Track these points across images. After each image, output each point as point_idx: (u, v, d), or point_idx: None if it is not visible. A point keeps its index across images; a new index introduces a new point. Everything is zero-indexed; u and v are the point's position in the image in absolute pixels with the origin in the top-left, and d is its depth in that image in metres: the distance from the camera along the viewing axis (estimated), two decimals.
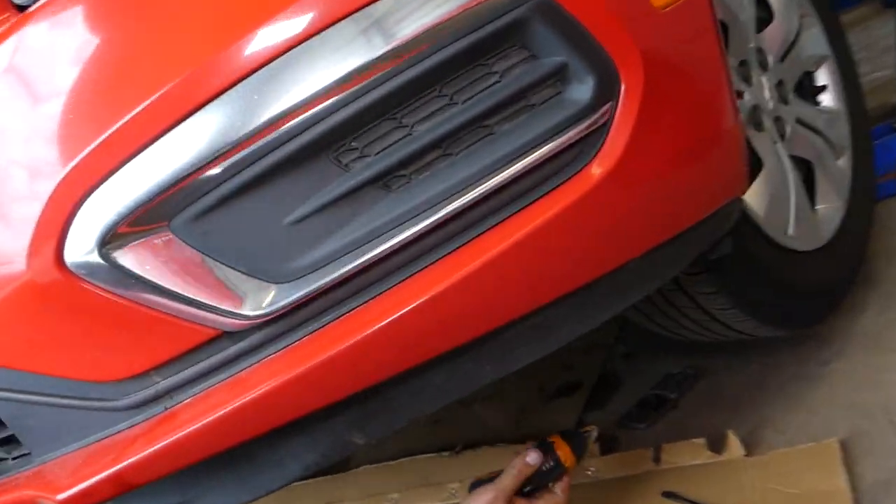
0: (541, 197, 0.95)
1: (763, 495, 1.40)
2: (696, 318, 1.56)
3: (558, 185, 0.93)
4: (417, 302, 0.91)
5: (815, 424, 1.53)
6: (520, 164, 0.89)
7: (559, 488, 1.30)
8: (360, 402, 0.96)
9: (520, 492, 1.24)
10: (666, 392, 1.82)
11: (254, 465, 0.97)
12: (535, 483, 1.27)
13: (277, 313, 0.89)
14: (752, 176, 1.58)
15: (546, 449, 1.28)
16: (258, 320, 0.89)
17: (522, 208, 0.94)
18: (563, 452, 1.29)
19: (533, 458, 1.26)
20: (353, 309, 0.92)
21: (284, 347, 0.91)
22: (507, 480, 1.22)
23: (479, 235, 0.93)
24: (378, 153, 0.88)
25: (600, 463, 1.65)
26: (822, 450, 1.42)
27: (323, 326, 0.92)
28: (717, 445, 1.55)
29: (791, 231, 1.64)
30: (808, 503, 1.35)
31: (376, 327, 0.90)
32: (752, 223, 1.50)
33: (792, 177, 1.68)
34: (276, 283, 0.88)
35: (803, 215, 1.69)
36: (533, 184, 0.94)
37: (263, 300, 0.88)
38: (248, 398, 0.89)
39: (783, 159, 1.67)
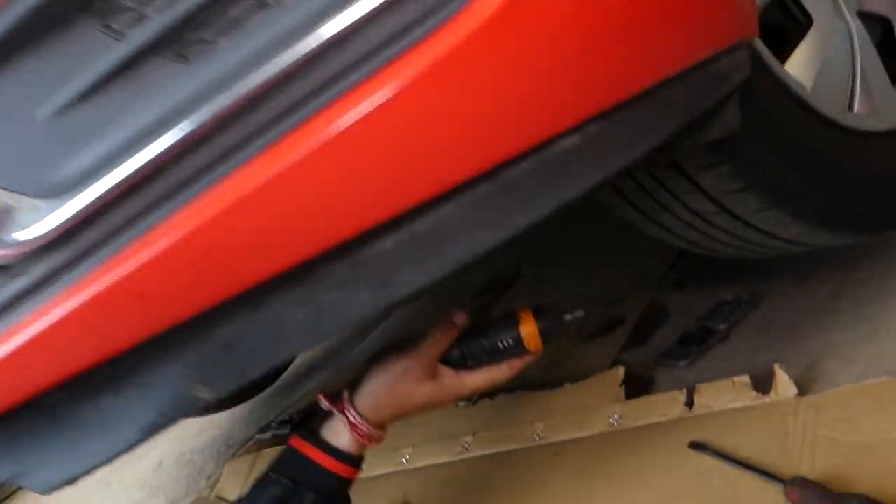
0: (420, 39, 0.69)
1: (813, 444, 1.08)
2: (726, 226, 1.23)
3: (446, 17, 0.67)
4: (239, 201, 0.69)
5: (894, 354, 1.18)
6: None
7: (507, 364, 1.09)
8: (194, 345, 0.76)
9: (453, 360, 1.07)
10: (714, 323, 1.50)
11: (83, 428, 0.80)
12: (483, 358, 1.08)
13: (54, 237, 0.70)
14: (796, 36, 1.23)
15: (509, 323, 1.06)
16: (30, 248, 0.70)
17: (390, 60, 0.69)
18: (528, 331, 1.05)
19: (460, 318, 1.06)
20: (159, 222, 0.71)
21: (75, 279, 0.72)
22: (427, 346, 1.04)
23: (320, 109, 0.70)
24: (164, 9, 0.66)
25: (625, 408, 1.38)
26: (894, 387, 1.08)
27: (122, 248, 0.72)
28: (763, 384, 1.23)
29: (858, 107, 1.27)
30: (871, 454, 1.02)
31: (188, 239, 0.69)
32: (793, 95, 1.15)
33: (858, 38, 1.29)
34: (44, 197, 0.69)
35: (876, 87, 1.30)
36: (406, 21, 0.68)
37: (33, 221, 0.69)
38: (35, 340, 0.71)
39: (844, 14, 1.28)
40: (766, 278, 1.58)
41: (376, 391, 1.04)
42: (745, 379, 1.24)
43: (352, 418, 1.02)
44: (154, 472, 2.93)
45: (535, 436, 1.49)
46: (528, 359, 1.08)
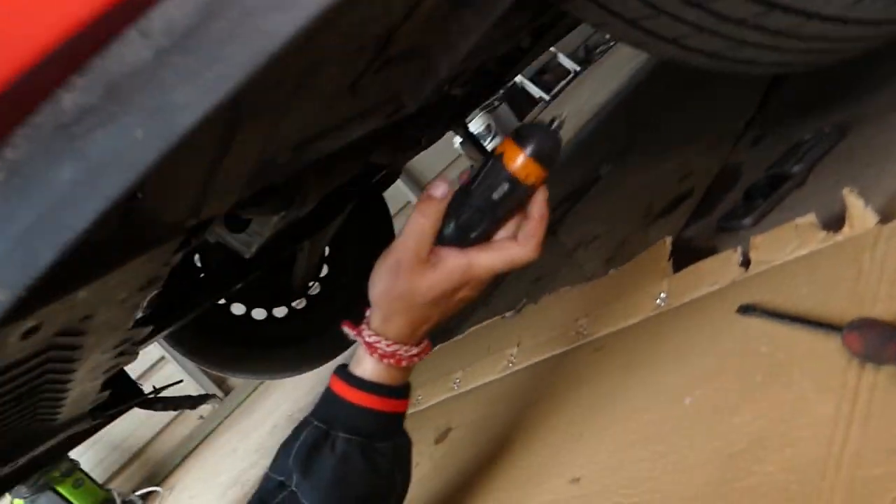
0: None
1: (892, 280, 0.78)
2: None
3: None
4: None
5: None
6: None
7: (536, 211, 0.85)
8: None
9: (452, 237, 0.85)
10: (788, 167, 1.17)
11: None
12: (483, 223, 0.85)
13: None
14: None
15: (494, 166, 0.82)
16: None
17: None
18: (517, 161, 0.80)
19: (438, 189, 0.84)
20: None
21: None
22: (408, 232, 0.84)
23: None
24: None
25: (673, 284, 1.11)
26: None
27: None
28: (834, 223, 0.92)
29: None
30: None
31: None
32: None
33: None
34: None
35: None
36: None
37: None
38: None
39: None
40: (851, 113, 1.22)
41: (380, 301, 0.86)
42: (811, 218, 0.93)
43: (367, 338, 0.87)
44: (270, 435, 2.96)
45: (579, 334, 1.25)
46: (538, 203, 0.85)
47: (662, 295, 1.11)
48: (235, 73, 0.55)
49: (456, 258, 0.83)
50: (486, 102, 5.38)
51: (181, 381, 2.36)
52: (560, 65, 5.59)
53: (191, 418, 4.40)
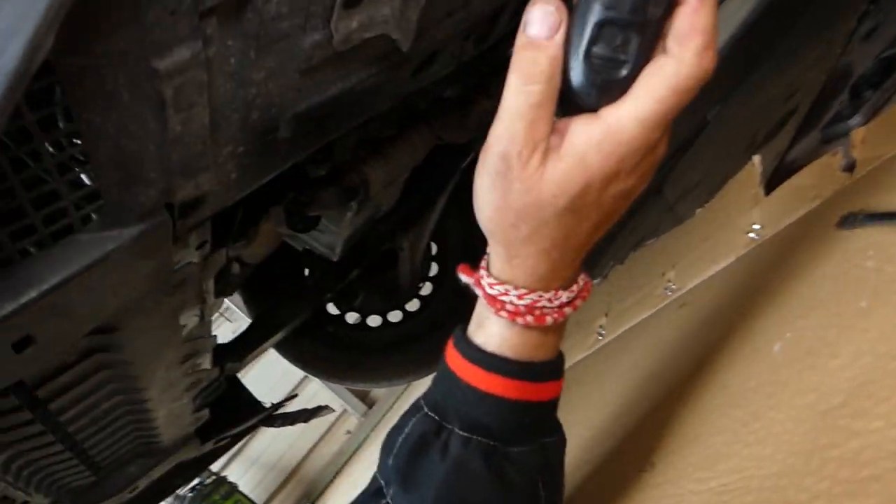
0: None
1: None
2: None
3: None
4: None
5: None
6: None
7: (672, 40, 0.50)
8: None
9: (584, 90, 0.52)
10: None
11: None
12: (618, 43, 0.50)
13: None
14: None
15: None
16: None
17: None
18: None
19: (546, 23, 0.51)
20: None
21: None
22: (508, 120, 0.53)
23: None
24: None
25: (765, 210, 0.90)
26: None
27: None
28: None
29: None
30: None
31: None
32: None
33: None
34: None
35: None
36: None
37: None
38: None
39: None
40: None
41: (495, 229, 0.57)
42: None
43: (489, 289, 0.58)
44: None
45: (666, 289, 1.06)
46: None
47: (755, 226, 0.90)
48: None
49: (589, 126, 0.51)
50: None
51: (296, 396, 2.36)
52: None
53: (338, 434, 4.47)
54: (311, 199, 1.45)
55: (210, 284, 1.21)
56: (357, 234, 1.84)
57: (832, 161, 0.79)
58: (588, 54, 0.50)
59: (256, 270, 1.72)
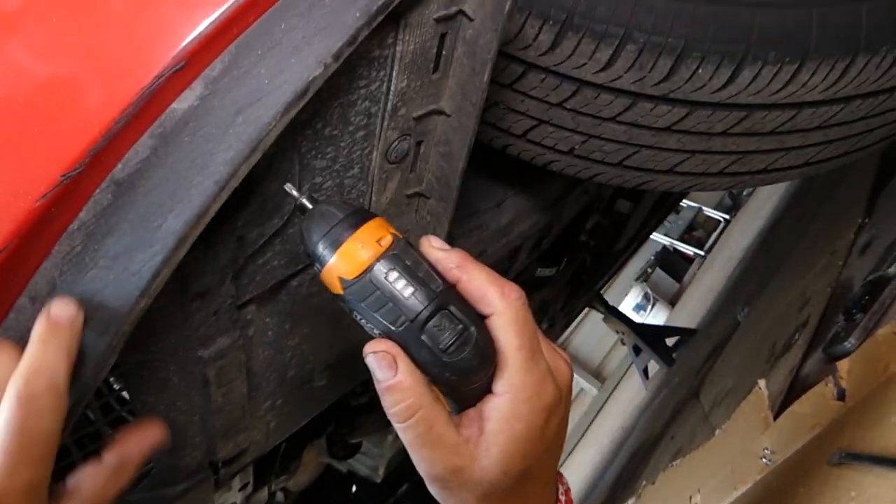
0: None
1: None
2: None
3: None
4: None
5: None
6: None
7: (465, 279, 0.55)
8: None
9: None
10: (885, 270, 1.00)
11: None
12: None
13: None
14: None
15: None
16: None
17: None
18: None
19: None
20: None
21: None
22: (418, 450, 0.55)
23: None
24: None
25: (774, 435, 0.94)
26: None
27: None
28: None
29: None
30: None
31: None
32: None
33: None
34: None
35: None
36: None
37: None
38: None
39: None
40: None
41: None
42: (893, 327, 0.76)
43: None
44: None
45: None
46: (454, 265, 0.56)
47: (766, 451, 0.93)
48: None
49: (494, 402, 0.54)
50: (640, 272, 5.25)
51: None
52: (709, 218, 5.39)
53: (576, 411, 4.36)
54: (352, 427, 1.52)
55: None
56: (401, 454, 1.86)
57: (825, 391, 0.84)
58: (444, 351, 0.52)
59: (302, 492, 1.75)
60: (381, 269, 0.51)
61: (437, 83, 0.66)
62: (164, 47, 0.49)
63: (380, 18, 0.52)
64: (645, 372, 3.02)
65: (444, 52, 0.63)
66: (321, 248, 0.52)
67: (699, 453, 1.14)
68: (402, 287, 0.51)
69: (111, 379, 0.67)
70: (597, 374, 5.12)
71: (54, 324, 0.48)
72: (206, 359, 0.67)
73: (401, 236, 0.53)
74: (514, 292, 0.55)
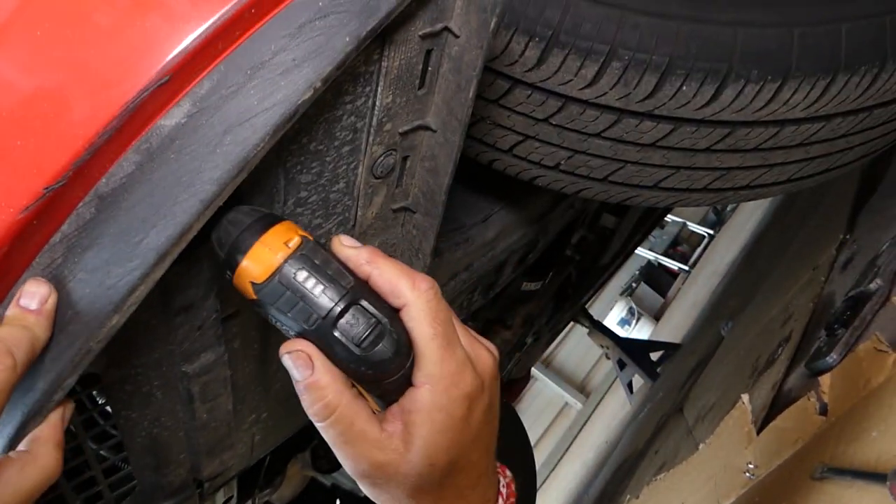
0: None
1: None
2: None
3: None
4: None
5: None
6: None
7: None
8: None
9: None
10: (865, 286, 1.01)
11: None
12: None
13: None
14: None
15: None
16: None
17: None
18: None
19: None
20: None
21: None
22: (342, 443, 0.54)
23: None
24: None
25: (758, 450, 0.94)
26: None
27: None
28: None
29: None
30: None
31: None
32: None
33: None
34: None
35: None
36: None
37: None
38: None
39: None
40: None
41: None
42: (874, 342, 0.77)
43: None
44: None
45: None
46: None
47: (750, 466, 0.94)
48: None
49: (411, 397, 0.53)
50: (624, 287, 5.27)
51: None
52: (693, 233, 5.44)
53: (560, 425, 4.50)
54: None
55: None
56: None
57: (808, 405, 0.85)
58: (357, 345, 0.51)
59: None
60: (289, 269, 0.51)
61: (422, 99, 0.66)
62: (149, 61, 0.49)
63: (367, 42, 0.52)
64: (629, 386, 3.03)
65: (429, 69, 0.63)
66: (230, 254, 0.52)
67: (683, 468, 1.14)
68: (311, 286, 0.51)
69: (94, 393, 0.66)
70: (581, 389, 5.13)
71: (24, 303, 0.48)
72: (190, 374, 0.66)
73: (311, 238, 0.54)
74: (424, 283, 0.55)
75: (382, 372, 0.52)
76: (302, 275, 0.51)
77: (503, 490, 0.62)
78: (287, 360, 0.52)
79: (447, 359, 0.53)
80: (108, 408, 0.68)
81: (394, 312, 0.54)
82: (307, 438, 1.41)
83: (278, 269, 0.51)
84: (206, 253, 0.57)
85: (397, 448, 0.53)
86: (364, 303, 0.52)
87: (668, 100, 0.69)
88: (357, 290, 0.53)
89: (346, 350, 0.52)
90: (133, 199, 0.49)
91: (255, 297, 0.52)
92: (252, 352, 0.77)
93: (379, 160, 0.67)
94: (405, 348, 0.53)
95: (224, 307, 0.65)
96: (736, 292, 2.55)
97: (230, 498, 1.04)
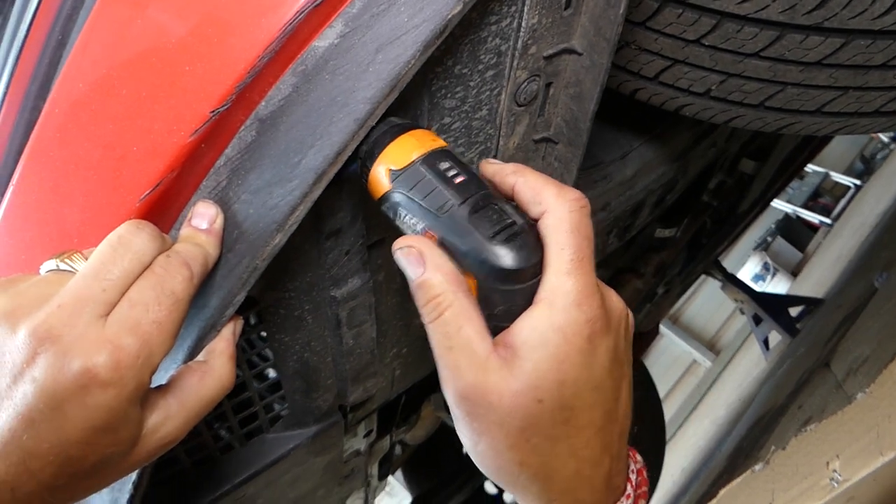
0: None
1: None
2: None
3: None
4: None
5: None
6: None
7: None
8: None
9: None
10: None
11: None
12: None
13: None
14: None
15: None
16: None
17: None
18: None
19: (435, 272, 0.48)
20: None
21: None
22: (447, 356, 0.47)
23: None
24: None
25: None
26: None
27: None
28: None
29: None
30: None
31: None
32: None
33: None
34: None
35: None
36: None
37: None
38: None
39: None
40: None
41: (513, 482, 0.50)
42: None
43: None
44: None
45: (833, 480, 1.01)
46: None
47: None
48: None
49: (529, 316, 0.46)
50: (759, 241, 5.01)
51: None
52: (837, 183, 5.07)
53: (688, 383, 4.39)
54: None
55: (375, 468, 1.29)
56: None
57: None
58: (489, 238, 0.47)
59: (417, 450, 1.80)
60: (431, 158, 0.50)
61: (568, 20, 0.63)
62: None
63: None
64: (765, 343, 2.89)
65: None
66: (374, 145, 0.51)
67: (838, 418, 1.08)
68: (453, 174, 0.49)
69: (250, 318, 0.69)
70: (711, 346, 4.96)
71: (196, 223, 0.50)
72: (338, 299, 0.68)
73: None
74: (572, 193, 0.48)
75: (511, 273, 0.46)
76: (444, 164, 0.50)
77: (632, 476, 0.52)
78: (399, 257, 0.48)
79: (575, 274, 0.46)
80: (263, 332, 0.71)
81: (532, 224, 0.49)
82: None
83: (421, 157, 0.50)
84: (353, 176, 0.58)
85: (502, 373, 0.45)
86: (502, 204, 0.49)
87: (841, 9, 0.63)
88: (497, 196, 0.50)
89: (476, 241, 0.46)
90: (291, 121, 0.50)
91: (388, 187, 0.50)
92: (395, 285, 0.78)
93: (522, 86, 0.66)
94: (535, 257, 0.47)
95: (369, 234, 0.66)
96: (890, 243, 2.36)
97: (370, 431, 1.08)
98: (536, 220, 0.49)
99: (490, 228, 0.47)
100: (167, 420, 0.47)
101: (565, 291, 0.45)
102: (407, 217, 0.50)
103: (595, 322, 0.46)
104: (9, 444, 0.40)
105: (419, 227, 0.49)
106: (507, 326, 0.47)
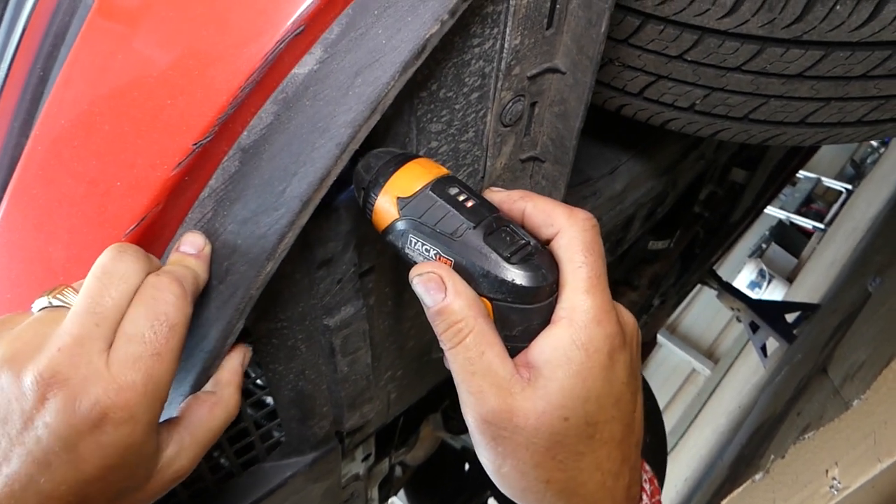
0: None
1: None
2: None
3: None
4: None
5: None
6: None
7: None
8: None
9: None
10: None
11: None
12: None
13: None
14: None
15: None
16: None
17: None
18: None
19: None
20: None
21: None
22: (470, 382, 0.48)
23: None
24: None
25: None
26: None
27: None
28: None
29: None
30: None
31: None
32: None
33: None
34: None
35: None
36: None
37: None
38: None
39: None
40: None
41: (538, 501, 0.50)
42: None
43: None
44: None
45: (832, 488, 1.01)
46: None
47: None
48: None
49: (550, 335, 0.47)
50: (754, 248, 5.02)
51: None
52: (829, 189, 5.09)
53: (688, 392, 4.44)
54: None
55: (375, 492, 1.28)
56: None
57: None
58: (506, 259, 0.47)
59: (418, 470, 1.78)
60: (440, 184, 0.50)
61: (550, 39, 0.64)
62: (284, 13, 0.49)
63: None
64: (763, 350, 2.88)
65: (557, 6, 0.61)
66: (378, 175, 0.51)
67: (835, 425, 1.07)
68: (463, 199, 0.50)
69: None
70: (709, 354, 4.95)
71: (184, 251, 0.50)
72: (331, 327, 0.68)
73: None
74: (582, 213, 0.50)
75: (527, 294, 0.46)
76: (453, 189, 0.50)
77: (646, 486, 0.54)
78: (418, 285, 0.48)
79: (593, 292, 0.46)
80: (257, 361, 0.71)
81: (545, 245, 0.50)
82: (439, 399, 1.43)
83: (430, 182, 0.50)
84: (343, 205, 0.58)
85: (526, 394, 0.45)
86: (513, 226, 0.50)
87: (819, 22, 0.63)
88: (508, 219, 0.51)
89: (493, 263, 0.47)
90: (273, 150, 0.50)
91: (397, 216, 0.50)
92: (386, 308, 0.78)
93: (507, 107, 0.66)
94: (552, 276, 0.47)
95: (361, 262, 0.66)
96: (882, 247, 2.36)
97: (368, 455, 1.07)
98: (548, 242, 0.50)
99: (506, 249, 0.47)
100: (181, 452, 0.48)
101: (585, 309, 0.46)
102: (418, 244, 0.50)
103: (614, 338, 0.47)
104: (26, 489, 0.40)
105: (432, 252, 0.49)
106: (525, 346, 0.48)
